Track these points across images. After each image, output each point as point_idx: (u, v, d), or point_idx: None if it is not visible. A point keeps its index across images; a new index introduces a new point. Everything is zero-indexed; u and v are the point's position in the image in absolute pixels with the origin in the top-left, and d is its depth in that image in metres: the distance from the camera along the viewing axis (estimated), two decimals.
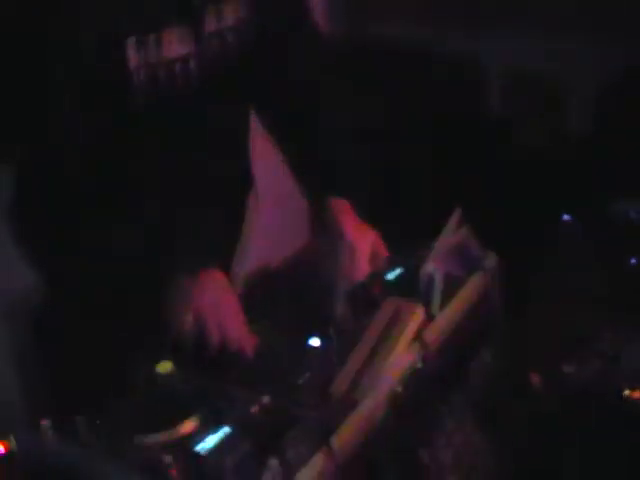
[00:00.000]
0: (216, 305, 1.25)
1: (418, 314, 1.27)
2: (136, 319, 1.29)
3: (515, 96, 2.73)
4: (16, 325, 2.07)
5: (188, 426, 1.10)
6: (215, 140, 1.43)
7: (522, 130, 2.60)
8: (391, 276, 1.39)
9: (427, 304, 1.31)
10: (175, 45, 1.33)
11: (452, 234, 1.41)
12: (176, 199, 1.39)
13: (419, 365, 1.24)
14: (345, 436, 1.09)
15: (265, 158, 1.58)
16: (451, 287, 1.36)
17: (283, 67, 1.49)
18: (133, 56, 1.29)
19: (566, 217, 1.81)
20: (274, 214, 1.82)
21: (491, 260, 1.46)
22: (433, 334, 1.28)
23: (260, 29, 1.43)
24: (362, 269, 1.34)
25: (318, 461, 1.04)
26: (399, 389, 1.20)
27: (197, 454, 1.05)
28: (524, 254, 1.53)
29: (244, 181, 1.54)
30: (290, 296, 1.35)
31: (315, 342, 1.25)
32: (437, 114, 2.54)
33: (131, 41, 1.28)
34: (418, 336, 1.26)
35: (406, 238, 1.45)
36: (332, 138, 1.47)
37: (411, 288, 1.33)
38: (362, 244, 1.35)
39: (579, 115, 2.71)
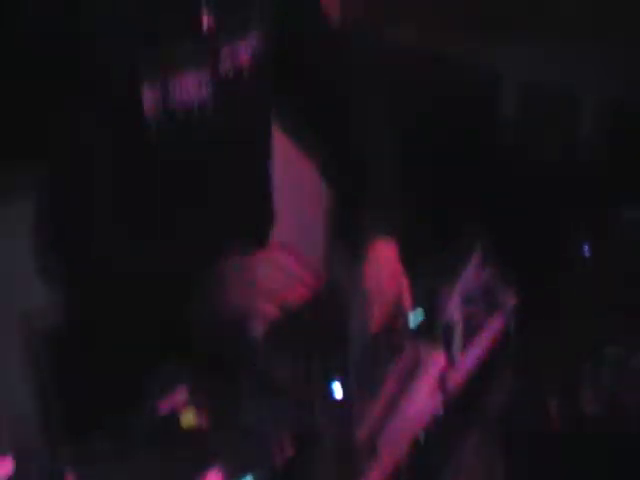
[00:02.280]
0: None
1: (439, 360, 1.28)
2: (157, 339, 1.30)
3: (530, 110, 2.72)
4: (33, 345, 2.09)
5: (211, 477, 1.10)
6: (235, 170, 1.43)
7: (537, 146, 2.59)
8: (412, 321, 1.39)
9: (448, 348, 1.31)
10: (191, 87, 1.32)
11: (473, 274, 1.42)
12: (193, 234, 1.39)
13: (440, 411, 1.25)
14: None
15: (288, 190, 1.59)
16: (471, 329, 1.36)
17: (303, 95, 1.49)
18: (149, 98, 1.29)
19: (586, 247, 1.81)
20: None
21: (511, 299, 1.46)
22: (454, 380, 1.28)
23: (274, 64, 1.43)
24: (385, 316, 1.34)
25: None
26: (421, 437, 1.21)
27: None
28: (544, 289, 1.54)
29: (266, 216, 1.55)
30: (312, 339, 1.35)
31: (336, 389, 1.25)
32: (453, 134, 2.54)
33: (147, 84, 1.28)
34: (439, 382, 1.26)
35: (426, 277, 1.45)
36: (379, 169, 1.46)
37: (432, 332, 1.33)
38: (388, 293, 1.35)
39: (594, 129, 2.71)
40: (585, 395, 1.42)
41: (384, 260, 1.37)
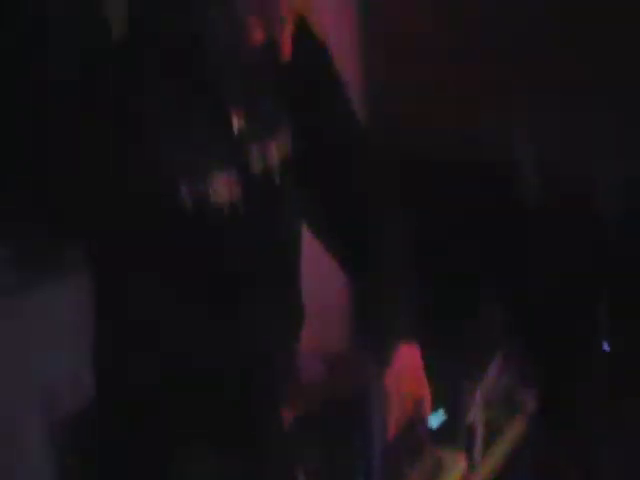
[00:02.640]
0: None
1: (461, 464, 1.28)
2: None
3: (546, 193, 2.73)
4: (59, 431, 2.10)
5: None
6: (266, 267, 1.46)
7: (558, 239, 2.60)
8: (434, 422, 1.39)
9: (469, 452, 1.31)
10: (223, 187, 1.36)
11: (495, 377, 1.43)
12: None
13: None
14: None
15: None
16: (493, 432, 1.37)
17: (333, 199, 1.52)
18: (186, 197, 1.32)
19: (605, 346, 1.82)
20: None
21: (532, 402, 1.47)
22: None
23: (303, 165, 1.46)
24: (406, 419, 1.34)
25: None
26: None
27: None
28: (566, 391, 1.54)
29: (297, 313, 1.56)
30: (337, 442, 1.37)
31: None
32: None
33: (184, 185, 1.32)
34: None
35: (449, 379, 1.46)
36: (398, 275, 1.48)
37: (454, 434, 1.34)
38: (411, 394, 1.35)
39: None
40: None
41: (407, 365, 1.38)
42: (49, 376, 2.02)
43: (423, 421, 1.34)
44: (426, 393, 1.35)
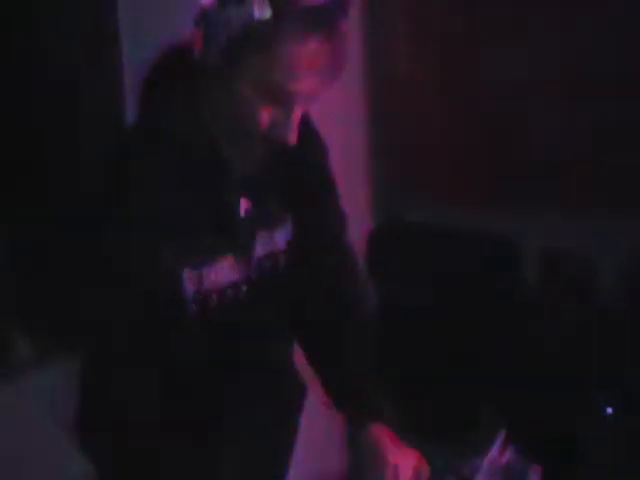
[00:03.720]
0: None
1: None
2: None
3: (547, 278, 2.77)
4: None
5: None
6: (263, 348, 1.48)
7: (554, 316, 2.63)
8: None
9: None
10: (227, 273, 1.39)
11: (496, 455, 1.44)
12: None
13: None
14: None
15: None
16: None
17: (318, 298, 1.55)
18: (188, 281, 1.35)
19: (609, 410, 1.83)
20: None
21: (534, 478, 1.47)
22: None
23: (306, 250, 1.49)
24: None
25: None
26: None
27: None
28: (568, 467, 1.55)
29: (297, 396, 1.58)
30: None
31: None
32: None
33: (187, 270, 1.34)
34: None
35: (451, 459, 1.47)
36: (371, 363, 1.51)
37: None
38: (405, 467, 1.38)
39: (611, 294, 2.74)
40: None
41: (386, 440, 1.41)
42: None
43: None
44: (419, 462, 1.37)
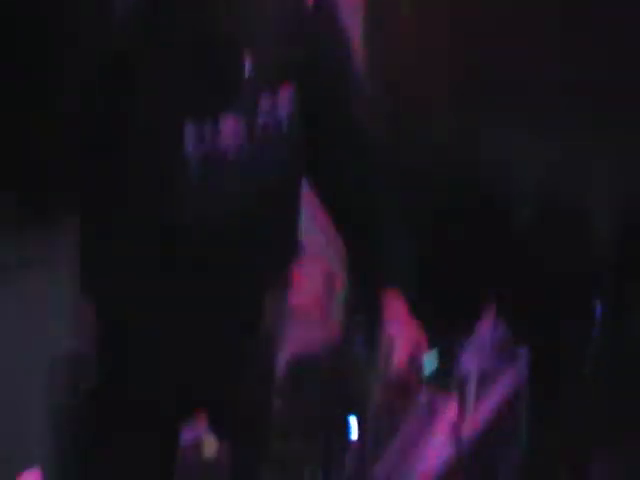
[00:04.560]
0: None
1: (453, 409, 1.30)
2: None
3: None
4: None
5: None
6: (263, 214, 1.48)
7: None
8: (427, 369, 1.41)
9: (462, 398, 1.33)
10: (229, 133, 1.37)
11: (488, 329, 1.45)
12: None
13: (453, 459, 1.27)
14: None
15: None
16: (485, 382, 1.38)
17: (334, 151, 1.54)
18: (190, 139, 1.34)
19: (599, 309, 1.84)
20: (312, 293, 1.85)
21: (525, 355, 1.48)
22: (467, 429, 1.30)
23: (312, 116, 1.47)
24: (400, 363, 1.37)
25: None
26: None
27: None
28: (557, 347, 1.56)
29: (291, 249, 1.58)
30: (327, 386, 1.38)
31: (353, 430, 1.27)
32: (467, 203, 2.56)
33: (190, 126, 1.33)
34: (453, 431, 1.28)
35: (442, 331, 1.48)
36: (387, 227, 1.51)
37: (446, 382, 1.36)
38: (403, 339, 1.38)
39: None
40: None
41: (395, 310, 1.41)
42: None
43: (417, 365, 1.36)
44: (420, 334, 1.37)
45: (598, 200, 2.38)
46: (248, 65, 1.36)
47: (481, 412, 1.36)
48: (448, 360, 1.40)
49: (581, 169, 2.20)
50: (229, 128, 1.35)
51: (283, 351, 1.60)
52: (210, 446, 1.20)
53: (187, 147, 1.33)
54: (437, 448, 1.26)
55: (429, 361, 1.41)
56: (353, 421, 1.24)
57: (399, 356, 1.37)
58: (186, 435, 1.21)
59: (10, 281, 1.60)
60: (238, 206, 1.42)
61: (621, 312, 1.87)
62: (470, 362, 1.36)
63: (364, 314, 1.47)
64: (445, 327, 1.42)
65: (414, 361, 1.39)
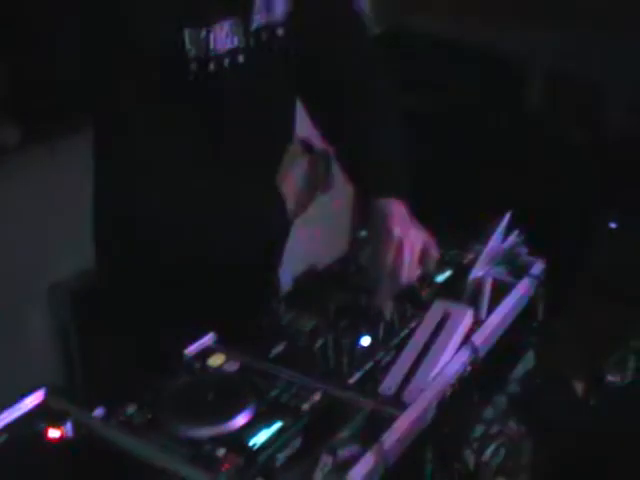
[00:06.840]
0: None
1: (467, 318, 1.28)
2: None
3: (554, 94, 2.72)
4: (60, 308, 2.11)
5: (241, 420, 1.11)
6: (259, 118, 1.46)
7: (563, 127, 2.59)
8: (440, 278, 1.39)
9: (475, 308, 1.31)
10: (225, 38, 1.36)
11: (501, 239, 1.43)
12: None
13: (467, 368, 1.25)
14: (394, 437, 1.10)
15: None
16: (499, 292, 1.37)
17: (332, 61, 1.51)
18: (189, 43, 1.33)
19: (613, 224, 1.82)
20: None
21: (538, 266, 1.47)
22: (481, 338, 1.29)
23: (308, 23, 1.45)
24: (412, 270, 1.35)
25: (368, 460, 1.05)
26: (447, 392, 1.21)
27: (250, 448, 1.06)
28: (571, 260, 1.54)
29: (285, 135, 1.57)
30: (339, 295, 1.37)
31: (364, 342, 1.26)
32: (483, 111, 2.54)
33: (188, 30, 1.32)
34: (467, 340, 1.27)
35: (456, 240, 1.46)
36: (386, 136, 1.48)
37: (460, 291, 1.34)
38: (412, 244, 1.36)
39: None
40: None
41: (399, 215, 1.39)
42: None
43: (430, 271, 1.34)
44: (428, 240, 1.35)
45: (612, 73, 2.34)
46: None
47: (495, 322, 1.34)
48: (461, 269, 1.38)
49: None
50: (225, 33, 1.34)
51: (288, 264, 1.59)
52: (217, 361, 1.20)
53: (187, 49, 1.31)
54: (451, 354, 1.25)
55: (443, 268, 1.39)
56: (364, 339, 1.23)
57: (410, 263, 1.35)
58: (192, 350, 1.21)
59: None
60: (234, 109, 1.41)
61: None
62: (484, 272, 1.34)
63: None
64: (458, 236, 1.40)
65: (427, 269, 1.38)
